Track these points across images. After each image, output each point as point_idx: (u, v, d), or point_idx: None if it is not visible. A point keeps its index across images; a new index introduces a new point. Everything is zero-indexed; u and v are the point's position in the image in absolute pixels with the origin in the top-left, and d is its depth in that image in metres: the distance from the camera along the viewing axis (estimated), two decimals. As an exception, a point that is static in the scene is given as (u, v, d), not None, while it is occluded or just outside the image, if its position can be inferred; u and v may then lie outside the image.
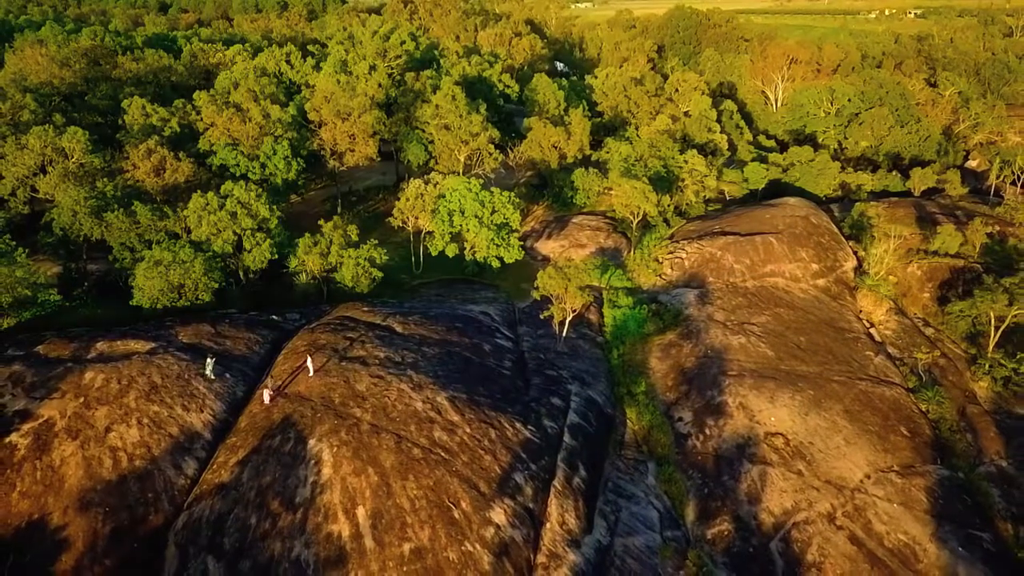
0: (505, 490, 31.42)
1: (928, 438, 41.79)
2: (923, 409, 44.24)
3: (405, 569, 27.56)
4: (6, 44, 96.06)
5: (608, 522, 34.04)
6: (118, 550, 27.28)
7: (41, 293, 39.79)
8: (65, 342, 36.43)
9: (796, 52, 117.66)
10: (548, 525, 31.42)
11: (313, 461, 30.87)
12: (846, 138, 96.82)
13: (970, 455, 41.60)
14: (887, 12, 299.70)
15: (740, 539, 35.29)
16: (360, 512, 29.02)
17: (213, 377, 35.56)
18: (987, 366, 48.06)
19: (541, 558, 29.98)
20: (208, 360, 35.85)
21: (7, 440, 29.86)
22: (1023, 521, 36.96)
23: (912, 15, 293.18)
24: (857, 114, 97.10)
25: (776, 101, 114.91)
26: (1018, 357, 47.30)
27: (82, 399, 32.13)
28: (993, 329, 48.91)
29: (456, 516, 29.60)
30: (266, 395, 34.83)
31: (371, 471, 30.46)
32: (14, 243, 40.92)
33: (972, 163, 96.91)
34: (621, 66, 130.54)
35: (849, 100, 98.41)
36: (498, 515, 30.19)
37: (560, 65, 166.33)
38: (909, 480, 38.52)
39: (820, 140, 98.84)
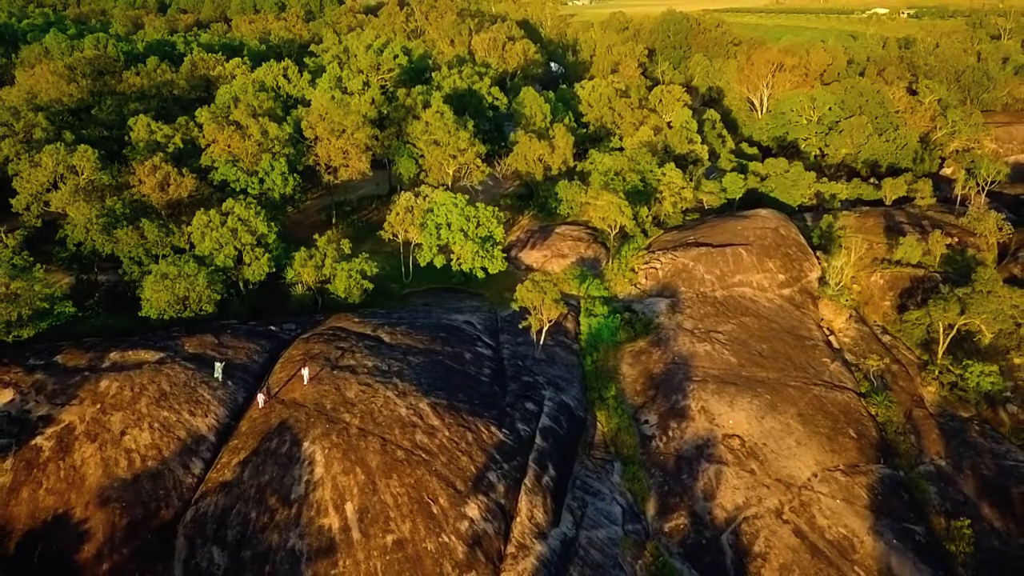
0: (479, 488, 34.97)
1: (874, 439, 45.39)
2: (872, 412, 47.83)
3: (388, 558, 31.14)
4: (13, 55, 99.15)
5: (574, 516, 37.63)
6: (134, 540, 30.87)
7: (57, 305, 43.16)
8: (81, 352, 39.94)
9: (781, 59, 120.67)
10: (518, 519, 34.97)
11: (307, 461, 34.40)
12: (827, 145, 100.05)
13: (912, 455, 45.24)
14: (880, 12, 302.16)
15: (694, 532, 38.91)
16: (348, 507, 32.57)
17: (221, 379, 39.33)
18: (936, 372, 51.68)
19: (511, 548, 33.55)
20: (217, 365, 39.73)
21: (33, 443, 33.43)
22: (955, 515, 40.59)
23: (904, 15, 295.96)
24: (837, 122, 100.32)
25: (761, 107, 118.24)
26: (964, 363, 50.97)
27: (99, 405, 35.64)
28: (942, 336, 52.51)
29: (434, 511, 33.15)
30: (260, 399, 38.49)
31: (359, 471, 34.01)
32: (32, 259, 44.39)
33: (947, 170, 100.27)
34: (613, 71, 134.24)
35: (830, 108, 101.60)
36: (472, 510, 33.75)
37: (554, 66, 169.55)
38: (853, 478, 42.14)
39: (802, 147, 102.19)
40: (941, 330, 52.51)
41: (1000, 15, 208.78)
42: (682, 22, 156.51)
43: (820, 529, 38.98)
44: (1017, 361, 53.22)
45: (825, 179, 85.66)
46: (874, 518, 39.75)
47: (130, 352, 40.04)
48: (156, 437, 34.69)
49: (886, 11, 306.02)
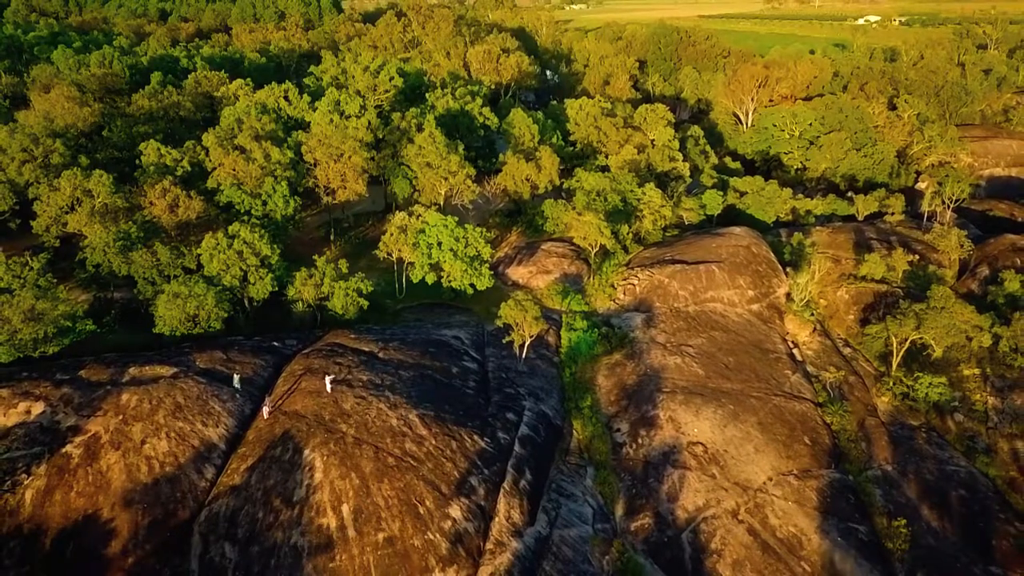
0: (462, 491, 39.05)
1: (827, 446, 49.44)
2: (827, 421, 51.82)
3: (379, 553, 35.21)
4: (24, 72, 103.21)
5: (549, 517, 41.68)
6: (155, 538, 34.94)
7: (79, 323, 47.18)
8: (102, 367, 43.99)
9: (765, 74, 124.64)
10: (497, 519, 39.02)
11: (307, 467, 38.45)
12: (808, 160, 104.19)
13: (862, 460, 49.28)
14: (871, 19, 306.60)
15: (658, 530, 42.97)
16: (344, 508, 36.62)
17: (239, 387, 43.46)
18: (890, 383, 55.76)
19: (489, 545, 37.59)
20: (236, 376, 44.15)
21: (64, 450, 37.49)
22: (896, 516, 44.65)
23: (896, 22, 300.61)
24: (818, 137, 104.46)
25: (746, 121, 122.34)
26: (915, 375, 55.10)
27: (121, 417, 39.69)
28: (896, 349, 56.60)
29: (421, 512, 37.21)
30: (265, 410, 42.65)
31: (354, 476, 38.07)
32: (55, 280, 48.47)
33: (922, 184, 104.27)
34: (605, 83, 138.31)
35: (810, 124, 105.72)
36: (455, 511, 37.81)
37: (549, 73, 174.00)
38: (805, 482, 46.20)
39: (784, 161, 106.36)
40: (895, 343, 56.62)
41: (989, 22, 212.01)
42: (672, 34, 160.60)
43: (772, 528, 43.03)
44: (966, 373, 57.39)
45: (801, 195, 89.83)
46: (822, 518, 43.79)
47: (147, 367, 44.10)
48: (173, 445, 38.76)
49: (878, 18, 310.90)
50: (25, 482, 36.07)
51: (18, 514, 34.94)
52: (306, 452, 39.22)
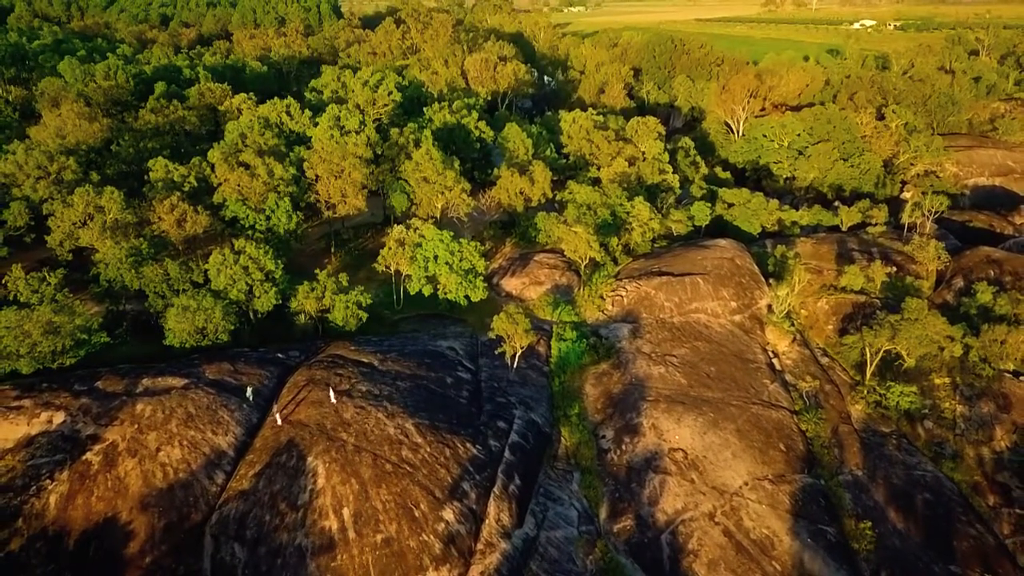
0: (455, 495, 41.87)
1: (801, 452, 52.27)
2: (802, 428, 54.67)
3: (377, 553, 38.04)
4: (30, 83, 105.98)
5: (536, 519, 44.52)
6: (170, 539, 37.77)
7: (94, 336, 49.97)
8: (118, 378, 46.78)
9: (757, 84, 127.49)
10: (487, 521, 41.85)
11: (310, 473, 41.26)
12: (796, 169, 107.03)
13: (834, 466, 52.11)
14: (867, 24, 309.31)
15: (639, 532, 45.80)
16: (345, 512, 39.44)
17: (252, 399, 46.15)
18: (864, 391, 58.61)
19: (480, 546, 40.44)
20: (249, 389, 46.82)
21: (84, 458, 40.30)
22: (864, 519, 47.53)
23: (891, 27, 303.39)
24: (806, 147, 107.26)
25: (738, 130, 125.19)
26: (887, 384, 57.95)
27: (136, 426, 42.49)
28: (870, 359, 59.40)
29: (417, 515, 40.04)
30: (278, 418, 45.49)
31: (354, 481, 40.88)
32: (72, 295, 51.24)
33: (907, 194, 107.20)
34: (600, 91, 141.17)
35: (799, 135, 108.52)
36: (448, 514, 40.63)
37: (547, 79, 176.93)
38: (778, 486, 49.04)
39: (774, 171, 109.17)
40: (870, 353, 59.42)
41: (982, 27, 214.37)
42: (666, 43, 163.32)
43: (746, 530, 45.86)
44: (937, 382, 60.12)
45: (787, 206, 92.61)
46: (793, 520, 46.61)
47: (159, 378, 46.89)
48: (185, 453, 41.58)
49: (873, 23, 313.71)
50: (49, 487, 38.87)
51: (43, 517, 37.75)
52: (309, 459, 42.01)
